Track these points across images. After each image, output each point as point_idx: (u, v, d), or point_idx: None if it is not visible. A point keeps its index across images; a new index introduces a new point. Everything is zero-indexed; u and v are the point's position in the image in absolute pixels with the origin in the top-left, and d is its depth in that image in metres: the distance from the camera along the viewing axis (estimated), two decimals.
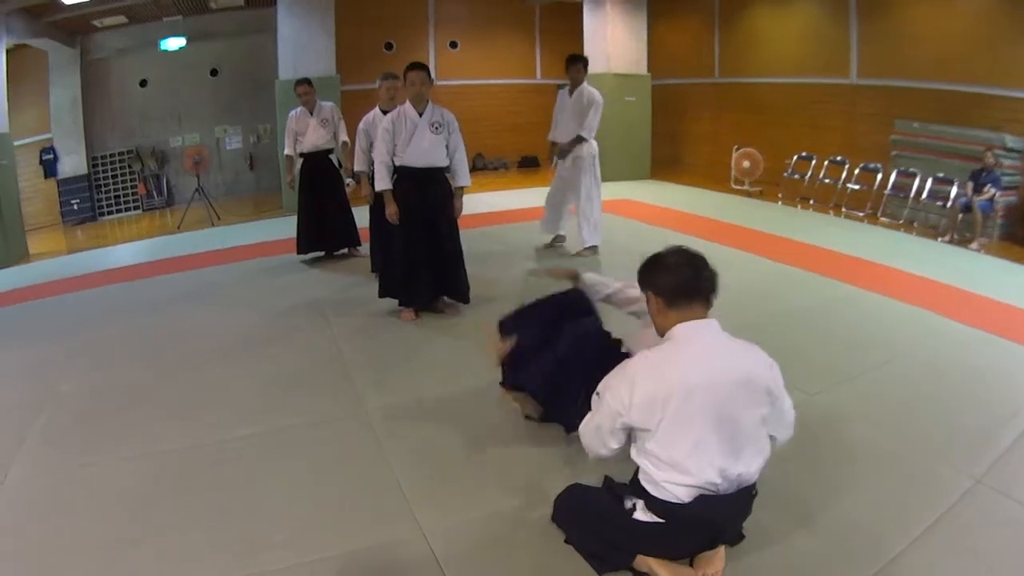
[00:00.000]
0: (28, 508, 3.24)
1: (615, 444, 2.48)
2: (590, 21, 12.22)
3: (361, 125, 6.18)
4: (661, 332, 2.50)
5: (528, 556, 2.72)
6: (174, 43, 12.53)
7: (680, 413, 2.29)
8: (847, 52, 10.07)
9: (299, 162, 7.46)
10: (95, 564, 2.78)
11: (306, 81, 7.34)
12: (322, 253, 7.64)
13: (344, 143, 7.45)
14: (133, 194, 12.91)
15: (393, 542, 2.85)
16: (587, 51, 12.10)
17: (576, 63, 7.13)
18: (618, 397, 2.38)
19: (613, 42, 12.05)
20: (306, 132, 7.28)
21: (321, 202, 7.39)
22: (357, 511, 3.08)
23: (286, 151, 7.43)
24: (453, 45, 14.38)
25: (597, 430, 2.50)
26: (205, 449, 3.69)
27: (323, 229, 7.49)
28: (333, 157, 7.60)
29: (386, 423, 3.87)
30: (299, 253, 7.55)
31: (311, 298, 6.25)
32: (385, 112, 5.82)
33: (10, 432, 3.99)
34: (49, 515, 3.16)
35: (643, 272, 2.55)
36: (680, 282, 2.44)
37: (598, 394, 2.49)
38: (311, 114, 7.28)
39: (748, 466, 2.39)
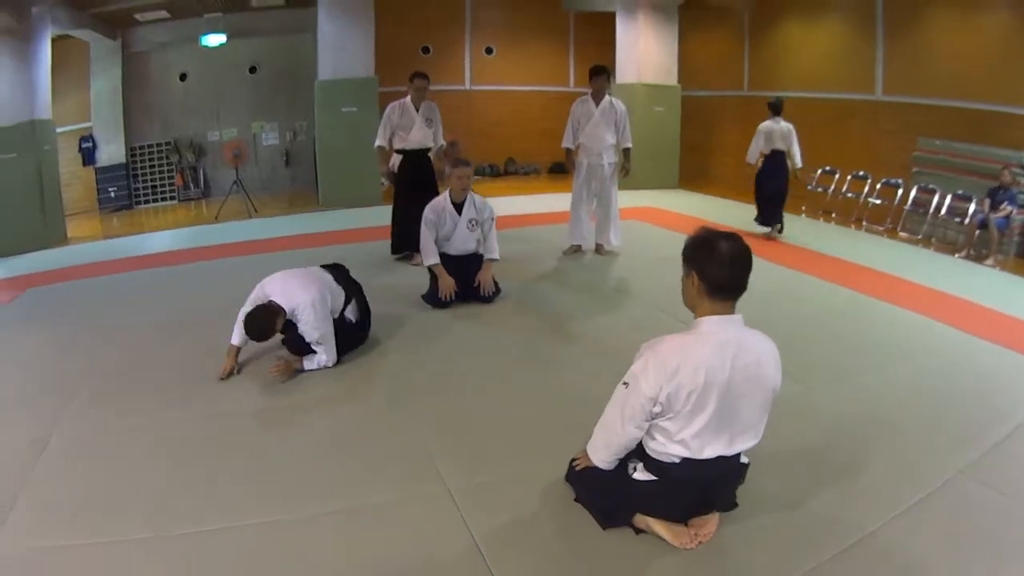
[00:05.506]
0: (77, 461, 3.50)
1: (633, 428, 2.61)
2: (623, 31, 12.39)
3: (431, 216, 5.80)
4: (690, 307, 2.62)
5: (545, 512, 2.98)
6: (214, 39, 12.78)
7: (699, 402, 2.49)
8: (873, 69, 10.19)
9: (397, 159, 7.22)
10: (147, 507, 3.05)
11: (424, 76, 7.08)
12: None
13: (441, 146, 7.37)
14: (170, 185, 13.21)
15: (421, 497, 3.13)
16: (619, 60, 12.35)
17: (602, 74, 7.27)
18: (651, 383, 2.49)
19: (644, 52, 12.21)
20: (411, 129, 7.04)
21: (420, 202, 6.66)
22: (386, 469, 3.37)
23: (378, 142, 7.15)
24: (489, 51, 14.60)
25: (623, 418, 2.60)
26: (242, 415, 3.99)
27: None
28: (431, 155, 7.40)
29: (414, 396, 4.18)
30: (393, 253, 7.39)
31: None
32: (455, 203, 5.83)
33: (55, 397, 4.22)
34: (100, 468, 3.42)
35: (693, 252, 2.56)
36: (727, 278, 2.49)
37: (626, 384, 2.60)
38: (417, 110, 7.04)
39: (738, 449, 2.64)
